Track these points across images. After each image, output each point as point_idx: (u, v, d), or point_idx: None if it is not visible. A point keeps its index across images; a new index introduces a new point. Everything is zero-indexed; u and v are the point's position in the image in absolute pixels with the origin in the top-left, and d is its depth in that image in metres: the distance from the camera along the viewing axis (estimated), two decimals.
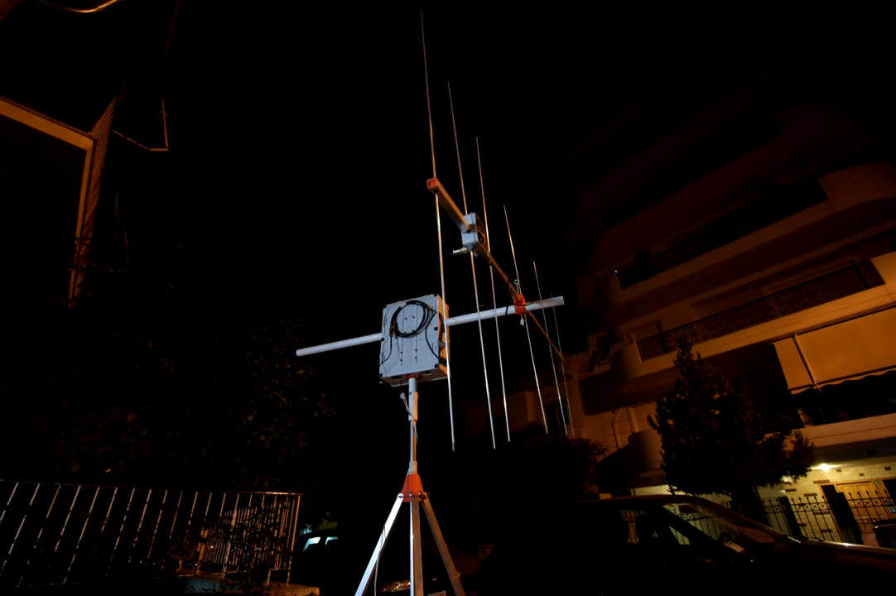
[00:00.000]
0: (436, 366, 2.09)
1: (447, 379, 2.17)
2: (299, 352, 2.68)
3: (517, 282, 2.27)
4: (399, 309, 2.37)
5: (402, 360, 2.18)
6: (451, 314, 2.35)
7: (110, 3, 4.22)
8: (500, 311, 2.18)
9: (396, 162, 51.78)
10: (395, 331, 2.29)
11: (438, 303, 2.30)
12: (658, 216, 17.87)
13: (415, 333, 2.23)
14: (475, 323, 2.22)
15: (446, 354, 2.20)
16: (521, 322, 2.18)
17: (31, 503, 3.57)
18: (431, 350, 2.13)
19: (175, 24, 6.00)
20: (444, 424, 22.59)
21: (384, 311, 2.42)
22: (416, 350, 2.16)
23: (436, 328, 2.20)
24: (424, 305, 2.30)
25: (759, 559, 3.01)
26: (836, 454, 11.25)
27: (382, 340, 2.33)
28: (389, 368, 2.20)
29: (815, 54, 15.41)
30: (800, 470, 9.30)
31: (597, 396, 18.03)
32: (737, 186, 15.93)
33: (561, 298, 2.27)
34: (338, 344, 2.54)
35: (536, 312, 2.26)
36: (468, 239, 2.02)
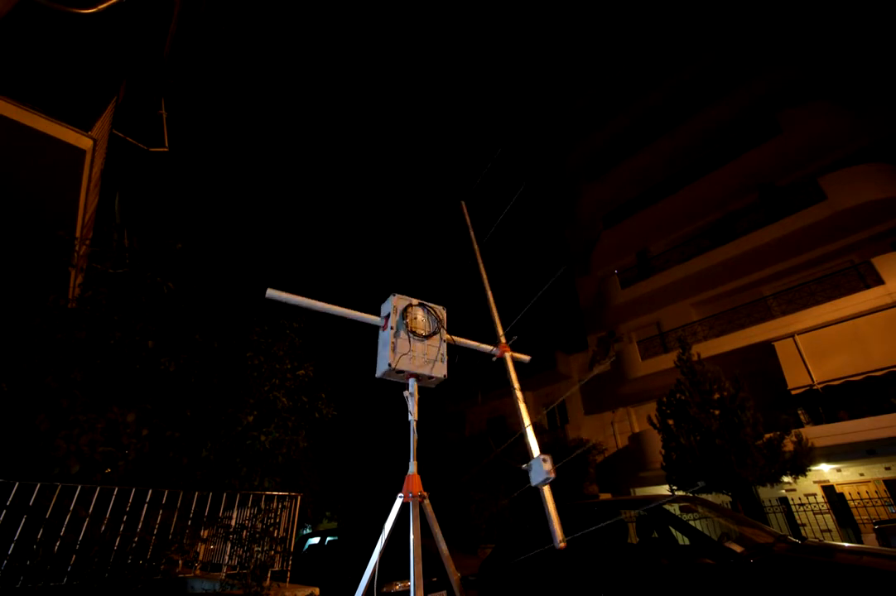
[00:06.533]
0: (445, 375, 2.22)
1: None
2: (269, 293, 2.17)
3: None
4: (410, 305, 2.32)
5: (414, 357, 2.18)
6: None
7: (110, 2, 4.22)
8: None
9: (396, 161, 51.79)
10: (406, 326, 2.24)
11: (444, 315, 2.43)
12: (658, 216, 17.87)
13: (428, 337, 2.27)
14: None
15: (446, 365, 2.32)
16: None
17: (31, 503, 3.57)
18: (443, 361, 2.25)
19: (175, 23, 6.00)
20: (442, 424, 22.62)
21: (392, 299, 2.32)
22: (435, 356, 2.25)
23: (444, 340, 2.31)
24: (436, 313, 2.37)
25: (759, 559, 3.01)
26: (836, 454, 11.25)
27: (392, 329, 2.22)
28: (402, 360, 2.13)
29: (816, 54, 15.40)
30: (800, 470, 9.30)
31: (597, 396, 18.04)
32: (737, 186, 15.94)
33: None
34: (326, 307, 2.26)
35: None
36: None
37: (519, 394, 2.18)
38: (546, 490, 1.87)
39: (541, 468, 1.83)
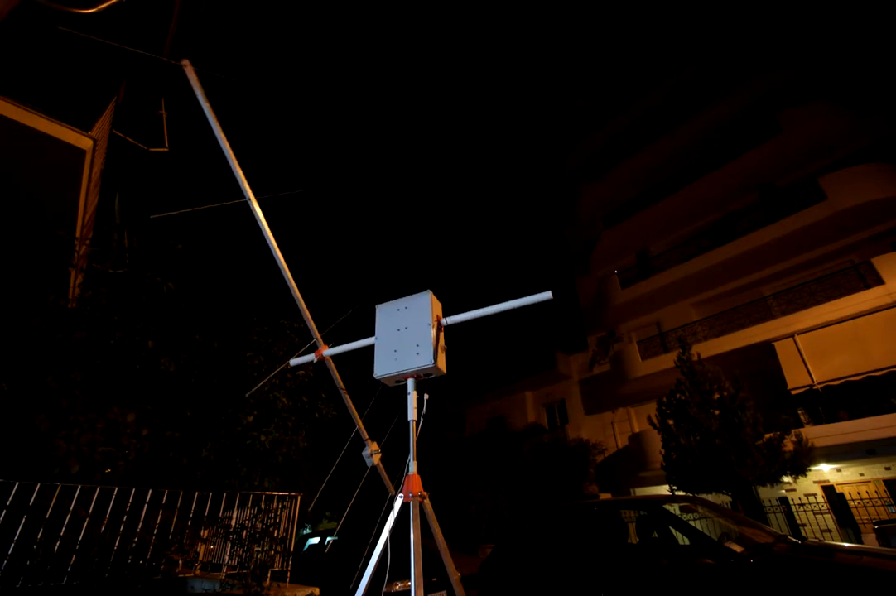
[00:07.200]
0: (434, 362, 2.06)
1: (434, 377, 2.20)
2: (292, 361, 2.66)
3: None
4: (392, 307, 2.35)
5: (396, 357, 2.16)
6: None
7: (110, 2, 4.22)
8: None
9: (394, 162, 51.79)
10: (388, 329, 2.27)
11: (431, 299, 2.28)
12: (658, 216, 17.88)
13: (409, 329, 2.21)
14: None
15: (442, 351, 2.19)
16: None
17: (31, 503, 3.57)
18: (427, 346, 2.11)
19: (175, 24, 5.99)
20: (442, 424, 22.62)
21: (377, 309, 2.40)
22: (416, 345, 2.14)
23: (429, 324, 2.18)
24: (418, 302, 2.28)
25: (759, 559, 3.01)
26: (836, 454, 11.25)
27: (376, 339, 2.30)
28: (384, 366, 2.17)
29: (816, 54, 15.40)
30: (800, 470, 9.30)
31: (597, 396, 18.04)
32: (737, 186, 15.94)
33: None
34: (334, 350, 2.53)
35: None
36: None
37: (347, 396, 2.63)
38: (379, 466, 2.54)
39: (368, 457, 2.52)
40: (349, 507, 2.66)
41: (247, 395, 3.10)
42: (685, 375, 10.41)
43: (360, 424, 2.59)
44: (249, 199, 2.35)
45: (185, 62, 2.19)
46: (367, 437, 2.60)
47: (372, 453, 2.51)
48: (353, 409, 2.60)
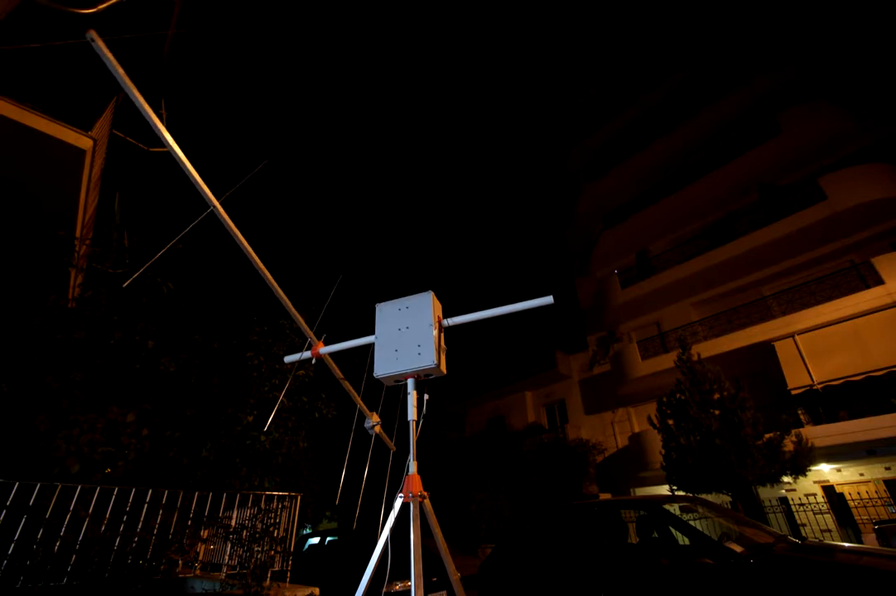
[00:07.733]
0: (436, 362, 2.05)
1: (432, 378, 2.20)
2: (287, 358, 2.69)
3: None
4: (393, 307, 2.34)
5: (397, 357, 2.15)
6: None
7: (110, 2, 4.22)
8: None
9: (393, 162, 51.79)
10: (389, 328, 2.26)
11: (433, 300, 2.28)
12: (658, 216, 17.87)
13: (410, 329, 2.21)
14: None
15: (443, 352, 2.19)
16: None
17: (31, 503, 3.57)
18: (429, 346, 2.10)
19: (175, 24, 6.00)
20: (442, 424, 22.62)
21: (377, 309, 2.39)
22: (418, 345, 2.13)
23: (431, 324, 2.17)
24: (420, 302, 2.28)
25: (759, 559, 3.01)
26: (836, 454, 11.25)
27: (376, 338, 2.29)
28: (384, 365, 2.16)
29: (816, 54, 15.41)
30: (800, 470, 9.30)
31: (597, 396, 18.04)
32: (737, 186, 15.94)
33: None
34: (334, 347, 2.53)
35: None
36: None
37: (347, 384, 2.67)
38: (382, 434, 2.65)
39: (371, 429, 2.63)
40: (358, 509, 2.68)
41: (264, 429, 3.19)
42: (685, 375, 10.40)
43: (360, 402, 2.64)
44: (214, 207, 2.07)
45: (93, 34, 1.72)
46: (367, 411, 2.66)
47: (373, 425, 2.63)
48: (351, 391, 2.63)
